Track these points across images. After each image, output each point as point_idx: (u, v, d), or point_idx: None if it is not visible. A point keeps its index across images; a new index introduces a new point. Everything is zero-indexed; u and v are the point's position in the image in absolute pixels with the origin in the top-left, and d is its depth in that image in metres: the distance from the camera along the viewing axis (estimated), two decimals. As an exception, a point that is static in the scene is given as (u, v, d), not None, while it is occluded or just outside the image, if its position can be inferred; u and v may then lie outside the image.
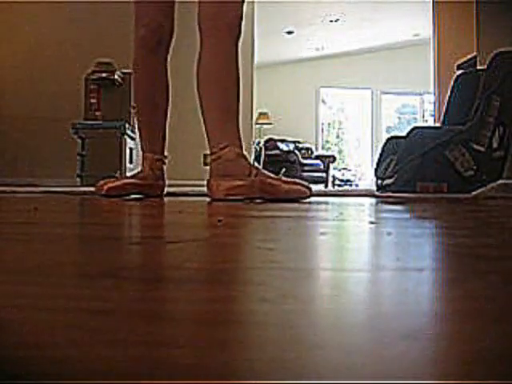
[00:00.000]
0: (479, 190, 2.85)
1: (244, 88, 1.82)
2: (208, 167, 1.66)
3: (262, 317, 0.22)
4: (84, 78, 4.24)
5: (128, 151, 4.18)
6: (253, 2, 5.08)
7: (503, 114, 2.90)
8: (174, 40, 1.79)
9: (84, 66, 4.40)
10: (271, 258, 0.40)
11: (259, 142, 7.68)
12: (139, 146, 1.84)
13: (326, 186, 7.45)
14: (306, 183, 1.56)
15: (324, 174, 7.59)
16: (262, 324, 0.21)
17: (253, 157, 5.59)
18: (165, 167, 1.82)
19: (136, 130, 3.76)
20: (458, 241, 0.54)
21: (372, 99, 9.53)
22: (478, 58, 4.05)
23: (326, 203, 1.49)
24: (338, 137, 10.43)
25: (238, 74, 1.62)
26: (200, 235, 0.60)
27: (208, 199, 1.58)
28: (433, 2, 5.08)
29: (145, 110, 1.80)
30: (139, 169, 1.81)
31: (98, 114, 4.17)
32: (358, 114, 9.86)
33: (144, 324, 0.21)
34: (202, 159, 4.90)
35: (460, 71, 3.74)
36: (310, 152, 8.15)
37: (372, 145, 9.53)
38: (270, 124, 8.85)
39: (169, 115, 1.82)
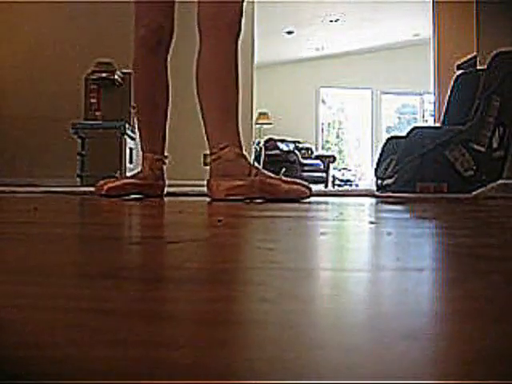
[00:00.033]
0: (479, 190, 2.85)
1: (244, 88, 1.82)
2: (208, 167, 1.67)
3: (261, 317, 0.22)
4: (84, 78, 4.24)
5: (128, 151, 4.19)
6: (253, 2, 5.08)
7: (503, 114, 2.90)
8: (173, 40, 1.80)
9: (84, 66, 4.40)
10: (271, 258, 0.40)
11: (259, 142, 7.68)
12: (139, 146, 1.84)
13: (326, 186, 7.45)
14: (305, 183, 1.56)
15: (324, 174, 7.59)
16: (262, 324, 0.21)
17: (253, 157, 5.59)
18: (165, 167, 1.82)
19: (136, 130, 3.76)
20: (458, 241, 0.54)
21: (372, 99, 9.53)
22: (478, 58, 4.04)
23: (326, 203, 1.49)
24: (337, 137, 10.43)
25: (237, 74, 1.62)
26: (200, 235, 0.60)
27: (208, 199, 1.58)
28: (433, 1, 5.08)
29: (145, 109, 1.80)
30: (139, 169, 1.81)
31: (97, 113, 4.17)
32: (358, 113, 9.86)
33: (144, 324, 0.21)
34: (202, 159, 4.90)
35: (460, 71, 3.74)
36: (309, 152, 8.15)
37: (372, 145, 9.53)
38: (270, 124, 8.85)
39: (169, 115, 1.82)
